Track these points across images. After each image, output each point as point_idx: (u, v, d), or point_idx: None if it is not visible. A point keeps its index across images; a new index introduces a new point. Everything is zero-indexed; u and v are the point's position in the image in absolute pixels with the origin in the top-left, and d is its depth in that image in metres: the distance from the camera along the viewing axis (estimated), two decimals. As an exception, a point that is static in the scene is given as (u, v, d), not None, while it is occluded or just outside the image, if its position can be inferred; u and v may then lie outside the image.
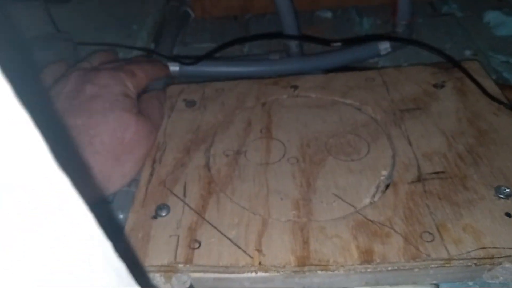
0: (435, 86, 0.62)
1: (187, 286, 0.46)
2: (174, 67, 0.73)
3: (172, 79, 0.75)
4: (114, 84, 0.54)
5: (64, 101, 0.52)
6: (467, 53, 0.79)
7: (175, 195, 0.51)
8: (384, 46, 0.73)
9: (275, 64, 0.75)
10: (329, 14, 0.94)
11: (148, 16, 0.92)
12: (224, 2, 0.93)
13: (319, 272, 0.42)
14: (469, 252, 0.41)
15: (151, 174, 0.54)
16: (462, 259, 0.41)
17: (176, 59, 0.75)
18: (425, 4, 0.96)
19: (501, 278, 0.42)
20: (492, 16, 0.87)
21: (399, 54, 0.79)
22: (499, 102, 0.56)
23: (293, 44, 0.76)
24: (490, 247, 0.41)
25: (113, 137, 0.51)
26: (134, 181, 0.56)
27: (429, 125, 0.56)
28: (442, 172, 0.49)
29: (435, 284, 0.45)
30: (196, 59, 0.74)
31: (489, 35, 0.84)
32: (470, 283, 0.45)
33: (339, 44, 0.74)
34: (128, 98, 0.55)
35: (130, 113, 0.53)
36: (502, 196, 0.45)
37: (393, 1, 0.76)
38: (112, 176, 0.52)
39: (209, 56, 0.77)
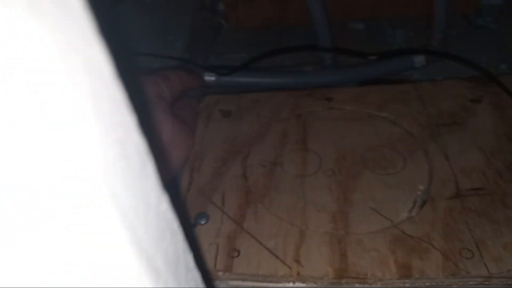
0: (471, 100, 0.62)
1: (225, 293, 0.47)
2: (210, 77, 0.75)
3: (207, 89, 0.77)
4: (149, 86, 0.56)
5: None
6: (503, 66, 0.79)
7: (214, 203, 0.52)
8: (419, 59, 0.73)
9: (309, 76, 0.76)
10: (361, 26, 0.95)
11: (183, 26, 0.95)
12: (258, 13, 0.95)
13: (357, 285, 0.43)
14: (509, 270, 0.41)
15: (190, 183, 0.56)
16: (502, 277, 0.41)
17: (212, 69, 0.77)
18: (459, 16, 0.95)
19: (542, 297, 0.42)
20: (528, 29, 0.86)
21: (434, 67, 0.79)
22: (539, 118, 0.56)
23: (327, 56, 0.77)
24: (531, 266, 0.41)
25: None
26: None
27: (467, 140, 0.55)
28: (481, 188, 0.49)
29: (473, 301, 0.44)
30: (231, 70, 0.76)
31: (525, 49, 0.83)
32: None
33: (374, 57, 0.74)
34: (163, 100, 0.56)
35: (166, 113, 0.55)
36: (543, 214, 0.45)
37: (429, 13, 0.76)
38: None
39: (244, 67, 0.78)
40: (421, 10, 0.88)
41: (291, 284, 0.44)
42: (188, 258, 0.20)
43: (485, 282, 0.41)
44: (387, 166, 0.54)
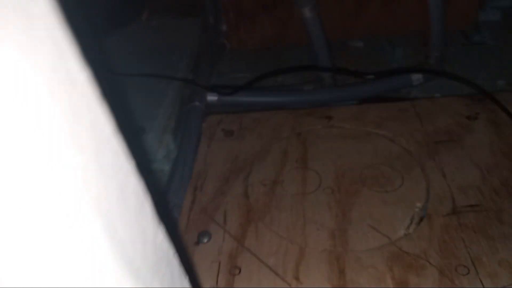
0: (468, 118, 0.63)
1: (227, 311, 0.48)
2: (212, 97, 0.77)
3: (209, 109, 0.79)
4: None
5: None
6: (501, 83, 0.80)
7: (216, 222, 0.54)
8: (417, 77, 0.75)
9: (309, 95, 0.77)
10: (360, 44, 0.97)
11: (186, 48, 0.97)
12: (259, 33, 0.98)
13: (355, 302, 0.44)
14: (505, 287, 0.42)
15: (193, 202, 0.57)
16: (498, 293, 0.42)
17: (214, 89, 0.79)
18: (457, 33, 0.97)
19: (539, 313, 0.43)
20: (526, 45, 0.87)
21: (432, 85, 0.80)
22: (534, 135, 0.57)
23: (327, 76, 0.79)
24: (526, 282, 0.42)
25: None
26: (176, 207, 0.59)
27: (463, 157, 0.57)
28: (477, 205, 0.50)
29: (470, 317, 0.45)
30: (233, 90, 0.78)
31: (523, 65, 0.84)
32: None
33: (372, 76, 0.76)
34: None
35: None
36: (538, 230, 0.46)
37: (426, 32, 0.78)
38: None
39: (246, 87, 0.80)
40: (418, 29, 0.90)
41: (291, 301, 0.45)
42: (183, 282, 0.21)
43: (481, 298, 0.42)
44: (385, 184, 0.55)
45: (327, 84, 0.80)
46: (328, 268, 0.46)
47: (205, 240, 0.52)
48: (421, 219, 0.50)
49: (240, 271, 0.48)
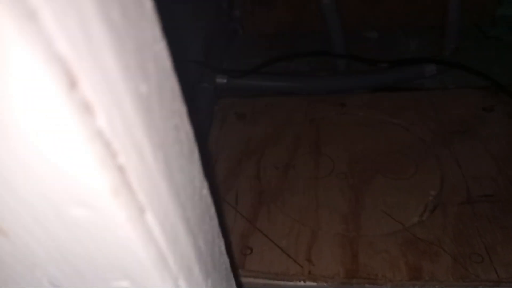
0: (484, 109, 0.62)
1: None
2: (221, 79, 0.77)
3: (220, 92, 0.78)
4: None
5: None
6: (516, 77, 0.79)
7: (227, 203, 0.54)
8: (429, 69, 0.74)
9: (319, 81, 0.77)
10: (375, 34, 0.96)
11: (199, 31, 0.97)
12: (273, 19, 0.97)
13: (367, 285, 0.44)
14: (519, 275, 0.41)
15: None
16: (511, 282, 0.41)
17: (225, 72, 0.78)
18: (473, 26, 0.96)
19: (551, 304, 0.43)
20: (542, 41, 0.86)
21: (447, 76, 0.79)
22: (551, 128, 0.57)
23: (341, 63, 0.78)
24: (540, 272, 0.41)
25: None
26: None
27: (478, 148, 0.56)
28: (492, 195, 0.50)
29: (482, 306, 0.45)
30: (244, 73, 0.77)
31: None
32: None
33: (385, 64, 0.75)
34: None
35: None
36: (553, 222, 0.45)
37: (442, 24, 0.77)
38: None
39: (256, 71, 0.80)
40: (434, 21, 0.89)
41: (302, 283, 0.45)
42: (221, 243, 0.21)
43: (494, 287, 0.42)
44: (399, 171, 0.55)
45: (340, 71, 0.79)
46: (341, 252, 0.46)
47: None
48: (435, 207, 0.50)
49: (251, 251, 0.47)
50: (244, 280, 0.47)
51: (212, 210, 0.19)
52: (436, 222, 0.47)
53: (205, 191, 0.18)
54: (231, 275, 0.23)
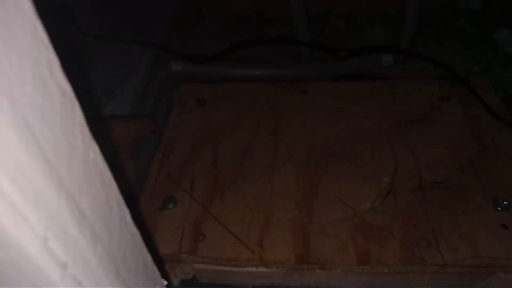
0: (441, 99, 0.63)
1: (190, 277, 0.48)
2: (176, 66, 0.75)
3: (176, 77, 0.77)
4: (121, 132, 0.60)
5: None
6: (476, 68, 0.80)
7: (183, 189, 0.53)
8: (387, 59, 0.75)
9: (275, 69, 0.76)
10: (342, 23, 0.96)
11: (164, 15, 0.95)
12: (239, 5, 0.96)
13: (318, 270, 0.44)
14: (464, 259, 0.42)
15: (160, 168, 0.56)
16: (456, 266, 0.42)
17: (183, 58, 0.77)
18: (438, 18, 0.97)
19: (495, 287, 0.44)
20: (503, 34, 0.88)
21: (407, 67, 0.80)
22: (503, 118, 0.58)
23: (304, 50, 0.78)
24: (484, 256, 0.42)
25: None
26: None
27: (433, 136, 0.57)
28: (443, 182, 0.51)
29: (429, 290, 0.46)
30: (204, 59, 0.76)
31: (498, 51, 0.85)
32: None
33: (345, 53, 0.75)
34: (131, 145, 0.61)
35: (132, 157, 0.59)
36: (499, 208, 0.47)
37: (400, 13, 0.78)
38: None
39: (217, 57, 0.79)
40: (398, 10, 0.90)
41: (254, 269, 0.45)
42: (123, 214, 0.20)
43: (440, 271, 0.43)
44: (355, 159, 0.55)
45: (304, 59, 0.79)
46: (292, 237, 0.46)
47: (171, 205, 0.51)
48: (387, 194, 0.50)
49: (204, 237, 0.47)
50: (197, 267, 0.47)
51: (107, 176, 0.18)
52: (387, 208, 0.48)
53: (93, 155, 0.17)
54: (139, 248, 0.22)
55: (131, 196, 0.54)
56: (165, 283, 0.27)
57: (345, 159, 0.55)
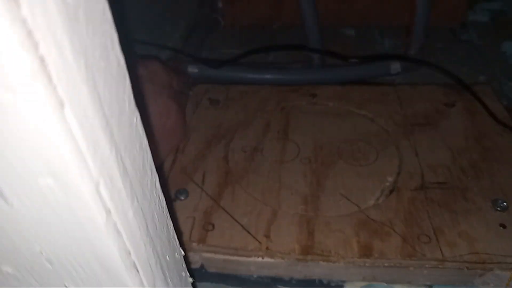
0: (446, 105, 0.65)
1: (198, 266, 0.50)
2: (193, 69, 0.79)
3: (194, 81, 0.80)
4: (162, 73, 0.60)
5: None
6: (481, 78, 0.82)
7: (194, 182, 0.55)
8: (395, 66, 0.77)
9: (287, 74, 0.79)
10: (352, 32, 0.99)
11: (181, 20, 0.98)
12: (253, 11, 0.99)
13: (321, 262, 0.46)
14: (462, 255, 0.44)
15: (174, 162, 0.58)
16: (455, 261, 0.44)
17: (199, 61, 0.80)
18: (447, 30, 0.99)
19: (492, 284, 0.45)
20: (509, 46, 0.90)
21: (416, 75, 0.82)
22: (505, 124, 0.60)
23: (316, 57, 0.81)
24: (482, 253, 0.44)
25: (157, 122, 0.56)
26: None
27: (437, 140, 0.59)
28: (444, 182, 0.52)
29: (428, 285, 0.48)
30: (219, 64, 0.79)
31: (504, 63, 0.87)
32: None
33: (355, 60, 0.78)
34: (172, 89, 0.60)
35: (173, 101, 0.59)
36: (498, 208, 0.48)
37: (409, 23, 0.80)
38: None
39: (232, 62, 0.82)
40: (407, 21, 0.92)
41: (260, 259, 0.47)
42: (154, 178, 0.23)
43: (439, 266, 0.44)
44: (360, 158, 0.57)
45: (315, 65, 0.81)
46: (298, 230, 0.48)
47: (182, 197, 0.53)
48: (390, 192, 0.52)
49: (213, 227, 0.49)
50: (205, 255, 0.49)
51: (145, 141, 0.21)
52: (390, 205, 0.50)
53: (136, 121, 0.19)
54: (164, 213, 0.25)
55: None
56: (183, 253, 0.29)
57: (351, 158, 0.57)
